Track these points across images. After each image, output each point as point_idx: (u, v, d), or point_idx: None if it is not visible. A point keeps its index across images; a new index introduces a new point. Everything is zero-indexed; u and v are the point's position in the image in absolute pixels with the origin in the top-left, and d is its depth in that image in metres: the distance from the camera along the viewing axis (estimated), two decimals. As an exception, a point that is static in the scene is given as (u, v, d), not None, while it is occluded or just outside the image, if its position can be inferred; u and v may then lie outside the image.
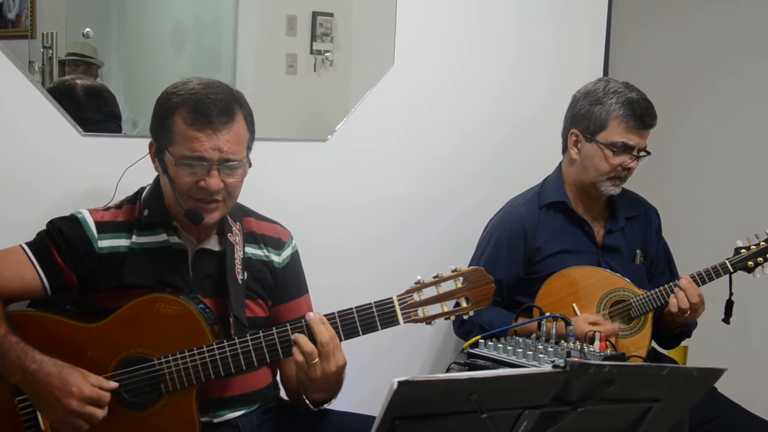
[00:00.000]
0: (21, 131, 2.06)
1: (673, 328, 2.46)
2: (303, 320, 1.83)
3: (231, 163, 1.83)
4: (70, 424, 1.74)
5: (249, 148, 1.90)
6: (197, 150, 1.80)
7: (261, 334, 1.82)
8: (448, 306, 1.84)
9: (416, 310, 1.83)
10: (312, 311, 2.05)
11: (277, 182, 2.41)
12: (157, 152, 1.87)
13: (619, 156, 2.41)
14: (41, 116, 2.08)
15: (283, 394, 2.11)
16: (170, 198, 1.89)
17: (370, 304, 1.82)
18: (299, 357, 1.78)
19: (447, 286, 1.84)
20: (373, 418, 1.39)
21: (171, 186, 1.84)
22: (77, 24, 2.20)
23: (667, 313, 2.37)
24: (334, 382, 1.85)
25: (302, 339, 1.79)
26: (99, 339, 1.83)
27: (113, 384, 1.78)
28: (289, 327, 1.82)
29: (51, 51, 2.14)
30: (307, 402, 1.91)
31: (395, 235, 2.72)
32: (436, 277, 1.84)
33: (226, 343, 1.81)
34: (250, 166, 1.89)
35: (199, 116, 1.80)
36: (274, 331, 1.83)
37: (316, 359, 1.78)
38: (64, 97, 2.12)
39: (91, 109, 2.16)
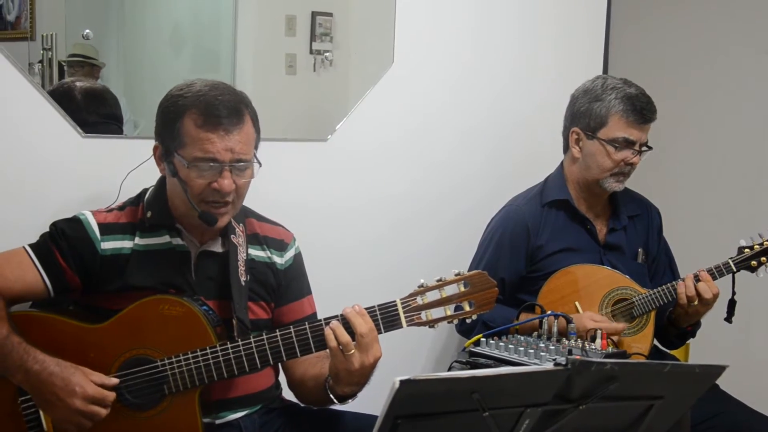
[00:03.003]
0: (21, 133, 2.07)
1: (684, 326, 2.44)
2: (306, 323, 1.83)
3: (242, 163, 1.84)
4: (74, 423, 1.75)
5: (256, 148, 1.90)
6: (210, 151, 1.81)
7: (264, 336, 1.82)
8: (450, 309, 1.85)
9: (419, 314, 1.83)
10: (315, 312, 2.06)
11: (278, 182, 2.40)
12: (165, 155, 1.86)
13: (621, 151, 2.41)
14: (41, 118, 2.09)
15: (285, 394, 2.11)
16: (176, 200, 1.90)
17: (374, 307, 1.82)
18: (333, 343, 1.77)
19: (450, 290, 1.84)
20: (375, 417, 1.39)
21: (183, 188, 1.84)
22: (77, 25, 2.21)
23: (678, 307, 2.36)
24: (368, 374, 1.84)
25: (339, 329, 1.78)
26: (102, 340, 1.83)
27: (114, 380, 1.78)
28: (292, 329, 1.82)
29: (51, 53, 2.14)
30: (332, 397, 1.89)
31: (395, 234, 2.72)
32: (440, 280, 1.84)
33: (229, 345, 1.81)
34: (260, 165, 1.89)
35: (210, 118, 1.80)
36: (278, 333, 1.82)
37: (353, 350, 1.77)
38: (62, 100, 2.12)
39: (89, 112, 2.16)
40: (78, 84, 2.19)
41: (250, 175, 1.87)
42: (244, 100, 1.88)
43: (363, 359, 1.78)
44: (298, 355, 1.83)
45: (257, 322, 1.95)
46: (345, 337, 1.77)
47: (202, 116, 1.81)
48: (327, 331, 1.79)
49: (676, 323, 2.44)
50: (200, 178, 1.82)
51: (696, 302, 2.32)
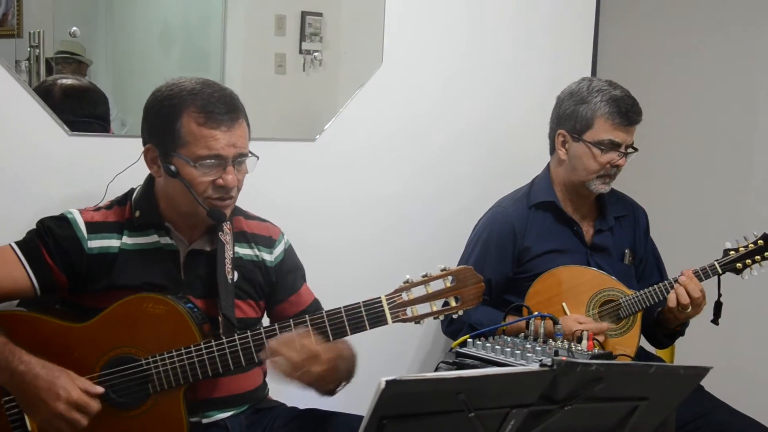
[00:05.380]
0: (7, 130, 2.06)
1: (673, 327, 2.45)
2: (291, 320, 1.83)
3: (243, 157, 1.86)
4: (55, 426, 1.73)
5: (249, 139, 1.92)
6: (214, 148, 1.81)
7: (249, 334, 1.82)
8: (437, 305, 1.84)
9: (405, 310, 1.82)
10: (315, 298, 2.07)
11: (266, 182, 2.39)
12: (163, 157, 1.85)
13: (607, 154, 2.42)
14: (28, 115, 2.08)
15: (272, 394, 2.11)
16: (168, 199, 1.89)
17: (359, 303, 1.82)
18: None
19: (436, 286, 1.83)
20: (361, 417, 1.39)
21: (187, 188, 1.83)
22: (64, 23, 2.20)
23: (668, 311, 2.37)
24: (333, 378, 1.85)
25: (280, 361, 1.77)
26: (86, 339, 1.82)
27: (99, 389, 1.77)
28: (277, 327, 1.82)
29: (38, 50, 2.13)
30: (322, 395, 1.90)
31: (384, 234, 2.72)
32: (425, 276, 1.83)
33: (213, 343, 1.81)
34: (258, 158, 1.90)
35: (211, 115, 1.81)
36: (262, 330, 1.82)
37: (304, 368, 1.76)
38: (43, 99, 2.10)
39: (65, 111, 2.13)
40: (59, 82, 2.17)
41: (246, 169, 1.89)
42: (233, 93, 1.90)
43: (312, 372, 1.77)
44: None
45: (245, 320, 1.95)
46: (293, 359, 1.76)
47: (203, 114, 1.81)
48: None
49: (665, 324, 2.45)
50: (205, 176, 1.83)
51: (689, 309, 2.34)
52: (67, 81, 2.20)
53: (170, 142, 1.83)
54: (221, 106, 1.83)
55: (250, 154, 1.89)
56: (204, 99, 1.82)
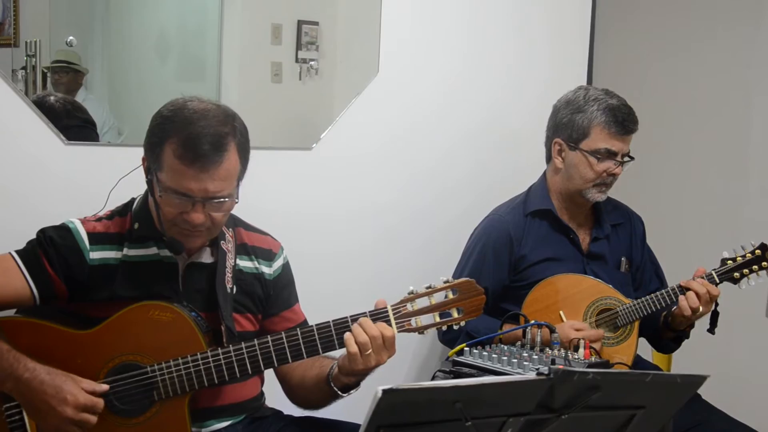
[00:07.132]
0: (4, 140, 2.06)
1: (684, 328, 2.45)
2: (298, 329, 1.83)
3: (217, 200, 1.80)
4: (64, 431, 1.73)
5: (239, 179, 1.85)
6: (183, 186, 1.77)
7: (255, 342, 1.83)
8: (439, 316, 1.86)
9: (409, 320, 1.84)
10: (305, 319, 2.07)
11: (262, 191, 2.40)
12: (147, 172, 1.85)
13: (603, 162, 2.43)
14: (24, 125, 2.08)
15: (268, 403, 2.10)
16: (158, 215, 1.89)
17: (365, 313, 1.83)
18: (353, 348, 1.78)
19: (439, 297, 1.86)
20: (357, 426, 1.39)
21: (156, 210, 1.84)
22: (61, 32, 2.20)
23: (679, 315, 2.36)
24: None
25: (357, 329, 1.79)
26: (90, 346, 1.82)
27: (104, 386, 1.77)
28: (283, 335, 1.83)
29: (34, 59, 2.13)
30: (335, 389, 1.89)
31: (380, 243, 2.72)
32: (429, 287, 1.85)
33: (220, 351, 1.81)
34: (237, 201, 1.85)
35: (188, 152, 1.76)
36: (269, 339, 1.83)
37: (370, 350, 1.78)
38: (40, 110, 2.10)
39: (68, 117, 2.15)
40: (51, 97, 2.18)
41: (228, 209, 1.84)
42: (233, 130, 1.81)
43: (379, 359, 1.81)
44: (289, 360, 1.84)
45: (244, 334, 1.94)
46: (363, 336, 1.79)
47: (181, 148, 1.76)
48: (347, 334, 1.80)
49: (675, 327, 2.44)
50: (172, 207, 1.80)
51: (699, 311, 2.33)
52: (57, 95, 2.20)
53: (153, 161, 1.82)
54: (204, 144, 1.76)
55: (234, 194, 1.83)
56: (189, 132, 1.76)
